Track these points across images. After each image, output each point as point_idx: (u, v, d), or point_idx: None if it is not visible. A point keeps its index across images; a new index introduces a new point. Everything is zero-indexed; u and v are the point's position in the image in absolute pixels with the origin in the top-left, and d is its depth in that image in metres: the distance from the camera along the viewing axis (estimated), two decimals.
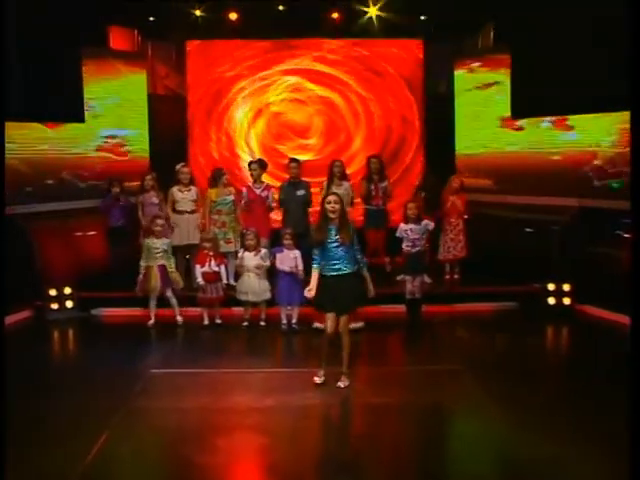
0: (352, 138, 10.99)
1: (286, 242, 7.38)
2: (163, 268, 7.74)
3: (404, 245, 7.65)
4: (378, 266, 8.60)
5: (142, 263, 7.74)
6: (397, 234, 7.72)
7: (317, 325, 7.25)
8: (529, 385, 5.78)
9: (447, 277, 9.04)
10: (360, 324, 7.31)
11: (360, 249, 5.76)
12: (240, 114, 10.99)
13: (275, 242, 8.08)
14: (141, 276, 7.71)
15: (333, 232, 5.58)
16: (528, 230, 9.13)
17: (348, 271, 5.60)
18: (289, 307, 7.47)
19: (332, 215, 5.58)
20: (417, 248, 7.62)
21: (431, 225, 7.81)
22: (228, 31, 10.48)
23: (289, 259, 7.30)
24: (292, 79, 10.92)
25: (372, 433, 4.97)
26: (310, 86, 10.92)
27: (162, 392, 5.74)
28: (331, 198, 5.62)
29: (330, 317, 5.65)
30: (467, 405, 5.43)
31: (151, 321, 7.80)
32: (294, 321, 7.46)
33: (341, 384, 5.69)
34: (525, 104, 9.20)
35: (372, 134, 10.98)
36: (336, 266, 5.58)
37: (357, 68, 10.91)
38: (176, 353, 7.01)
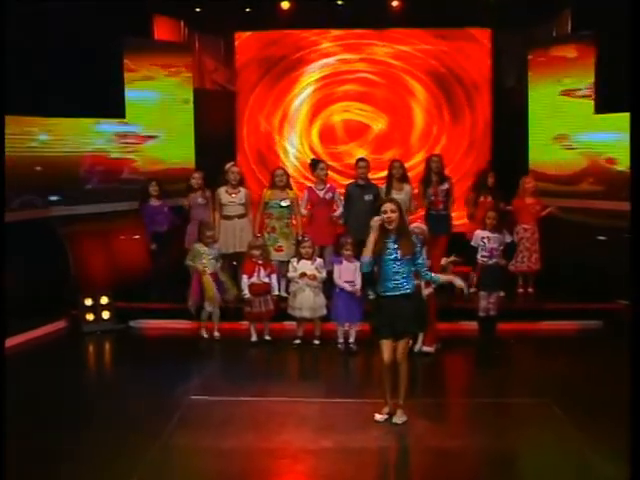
0: (410, 137, 10.12)
1: (346, 252, 6.59)
2: (216, 276, 7.10)
3: (479, 256, 6.79)
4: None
5: (189, 263, 7.10)
6: (472, 242, 6.85)
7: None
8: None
9: (520, 291, 8.11)
10: (433, 347, 6.54)
11: (425, 265, 5.03)
12: (295, 111, 10.22)
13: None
14: (191, 289, 7.03)
15: (391, 244, 4.79)
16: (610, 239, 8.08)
17: (407, 291, 4.84)
18: (347, 325, 6.66)
19: (389, 226, 4.78)
20: (494, 260, 6.75)
21: (509, 238, 6.96)
22: (280, 21, 9.73)
23: (349, 271, 6.51)
24: (350, 73, 10.11)
25: None
26: (370, 80, 10.09)
27: (202, 425, 4.97)
28: (387, 207, 4.82)
29: (386, 343, 4.87)
30: (558, 451, 4.52)
31: (205, 334, 7.17)
32: (352, 340, 6.66)
33: (397, 420, 4.89)
34: (610, 98, 8.17)
35: (429, 131, 10.10)
36: (392, 284, 4.81)
37: (419, 60, 10.03)
38: (220, 375, 6.26)
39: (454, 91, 10.04)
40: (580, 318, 7.50)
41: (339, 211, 7.87)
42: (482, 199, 8.09)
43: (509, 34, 9.91)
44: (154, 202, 8.10)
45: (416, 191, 8.05)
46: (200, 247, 7.12)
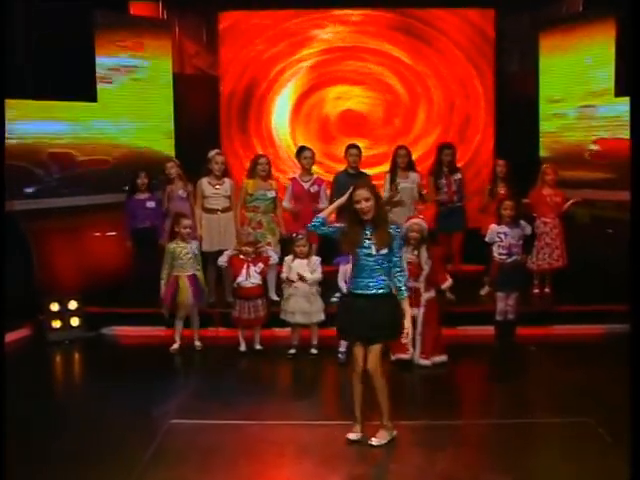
0: (411, 122, 9.29)
1: None
2: (194, 279, 6.21)
3: (496, 253, 6.05)
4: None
5: (164, 271, 6.21)
6: (487, 238, 6.09)
7: (398, 356, 5.72)
8: None
9: (536, 291, 7.36)
10: (442, 358, 5.79)
11: (402, 265, 4.21)
12: (284, 95, 9.39)
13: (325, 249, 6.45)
14: (164, 288, 6.17)
15: (366, 237, 4.08)
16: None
17: (381, 291, 4.10)
18: None
19: (365, 217, 4.09)
20: (513, 257, 6.02)
21: (528, 229, 6.19)
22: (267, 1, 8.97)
23: None
24: (339, 55, 9.29)
25: None
26: (360, 64, 9.28)
27: (183, 457, 4.14)
28: (360, 195, 4.07)
29: (356, 350, 4.19)
30: None
31: (176, 345, 6.30)
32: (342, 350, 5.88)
33: (374, 441, 4.18)
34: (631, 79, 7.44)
35: (431, 117, 9.29)
36: (365, 282, 4.09)
37: (414, 42, 9.22)
38: (204, 393, 5.35)
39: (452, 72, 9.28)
40: (604, 322, 6.76)
41: (321, 206, 6.92)
42: (496, 190, 7.36)
43: (514, 14, 9.17)
44: (140, 195, 7.26)
45: (424, 182, 7.29)
46: (175, 246, 6.22)
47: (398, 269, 4.13)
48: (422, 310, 5.73)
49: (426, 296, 5.74)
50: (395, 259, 4.11)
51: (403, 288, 4.13)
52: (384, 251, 4.07)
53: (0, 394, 4.11)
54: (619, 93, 7.66)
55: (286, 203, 7.17)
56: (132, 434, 4.47)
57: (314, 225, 4.24)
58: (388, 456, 4.14)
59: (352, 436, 4.25)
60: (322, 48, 9.26)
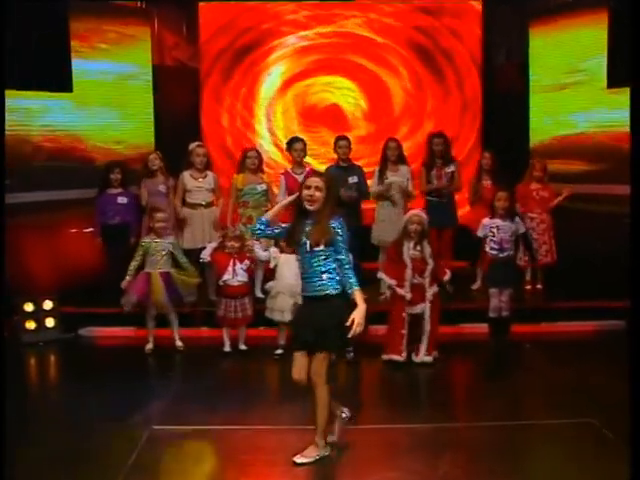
0: (399, 120, 9.03)
1: None
2: (168, 276, 5.92)
3: (488, 248, 5.85)
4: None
5: (132, 266, 5.91)
6: (479, 233, 5.89)
7: (390, 357, 5.54)
8: None
9: (528, 287, 7.18)
10: (433, 355, 5.62)
11: (349, 260, 3.80)
12: (266, 86, 9.09)
13: None
14: (127, 281, 5.86)
15: (305, 231, 3.77)
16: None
17: (324, 292, 3.75)
18: None
19: (310, 206, 3.74)
20: (506, 252, 5.81)
21: (522, 228, 6.01)
22: None
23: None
24: (330, 46, 9.00)
25: None
26: (351, 55, 9.01)
27: (166, 467, 3.89)
28: (312, 182, 3.76)
29: (297, 357, 3.84)
30: None
31: (149, 345, 6.05)
32: (350, 349, 5.65)
33: (298, 459, 3.81)
34: (626, 71, 7.26)
35: (421, 115, 9.04)
36: (309, 282, 3.78)
37: (404, 35, 8.98)
38: (187, 395, 5.07)
39: (439, 67, 9.05)
40: (598, 318, 6.61)
41: None
42: (481, 183, 7.18)
43: (503, 4, 8.97)
44: (112, 191, 6.96)
45: (415, 174, 7.11)
46: (150, 242, 5.94)
47: (347, 265, 3.74)
48: (428, 306, 5.54)
49: (431, 291, 5.55)
50: (341, 257, 3.74)
51: (352, 280, 3.73)
52: (321, 247, 3.72)
53: (0, 394, 3.94)
54: (611, 84, 7.50)
55: (281, 198, 6.90)
56: (111, 442, 4.21)
57: (256, 229, 3.92)
58: (386, 462, 3.91)
59: (300, 459, 3.83)
60: (301, 36, 9.00)
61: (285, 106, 9.06)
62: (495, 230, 5.82)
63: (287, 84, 9.04)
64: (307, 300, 3.86)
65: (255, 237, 3.87)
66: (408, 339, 5.55)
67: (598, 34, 7.57)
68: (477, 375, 5.76)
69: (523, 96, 8.42)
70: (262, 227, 3.88)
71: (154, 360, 5.94)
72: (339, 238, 3.74)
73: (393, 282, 5.56)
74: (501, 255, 5.85)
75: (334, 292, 3.75)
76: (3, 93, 5.92)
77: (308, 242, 3.73)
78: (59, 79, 7.26)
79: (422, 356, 5.56)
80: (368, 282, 5.72)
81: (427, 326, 5.54)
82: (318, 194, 3.73)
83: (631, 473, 3.07)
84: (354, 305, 3.68)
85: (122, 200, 6.96)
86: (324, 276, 3.75)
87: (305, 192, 3.76)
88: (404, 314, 5.54)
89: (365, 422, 4.43)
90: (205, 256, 5.98)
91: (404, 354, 5.52)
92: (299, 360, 3.83)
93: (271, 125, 9.08)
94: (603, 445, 4.08)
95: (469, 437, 4.28)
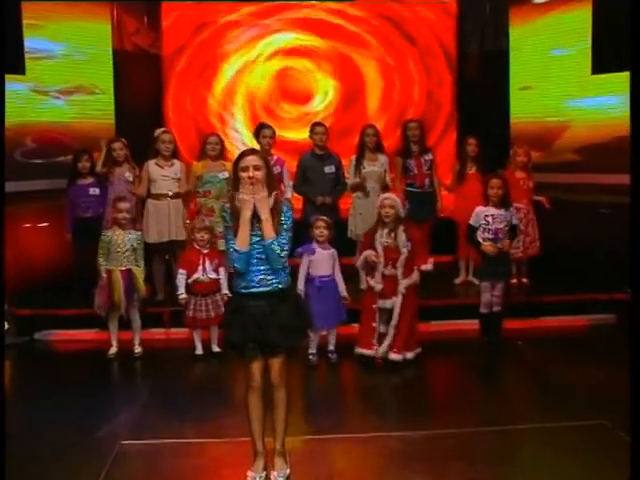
0: (367, 105, 8.66)
1: (319, 236, 5.11)
2: (128, 274, 5.45)
3: (481, 238, 5.49)
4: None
5: (102, 265, 5.45)
6: (472, 222, 5.52)
7: (362, 351, 5.17)
8: None
9: (514, 281, 6.85)
10: (416, 351, 5.29)
11: (283, 247, 3.32)
12: (231, 69, 8.62)
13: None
14: (100, 286, 5.43)
15: (254, 220, 3.31)
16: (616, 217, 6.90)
17: (277, 286, 3.39)
18: (325, 330, 5.30)
19: (251, 190, 3.27)
20: (500, 243, 5.45)
21: (515, 219, 5.66)
22: None
23: (324, 263, 5.06)
24: (297, 31, 8.59)
25: None
26: (318, 40, 8.58)
27: None
28: (249, 161, 3.30)
29: (254, 362, 3.42)
30: None
31: (113, 349, 5.58)
32: (331, 348, 5.28)
33: (277, 476, 3.47)
34: (611, 56, 7.01)
35: (390, 100, 8.65)
36: (259, 277, 3.34)
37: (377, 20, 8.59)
38: (157, 405, 4.62)
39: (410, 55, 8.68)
40: (588, 312, 6.36)
41: (288, 192, 6.42)
42: (467, 171, 6.85)
43: None
44: (82, 181, 6.47)
45: (391, 164, 6.72)
46: (112, 235, 5.46)
47: (279, 254, 3.30)
48: (399, 299, 5.15)
49: (404, 283, 5.16)
50: (281, 242, 3.31)
51: (279, 270, 3.36)
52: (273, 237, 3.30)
53: (0, 394, 3.79)
54: (595, 71, 7.24)
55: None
56: (76, 459, 3.77)
57: (242, 269, 3.33)
58: (380, 473, 3.53)
59: (252, 475, 3.46)
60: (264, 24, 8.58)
61: (249, 91, 8.62)
62: (490, 219, 5.46)
63: (246, 69, 8.61)
64: (254, 297, 3.38)
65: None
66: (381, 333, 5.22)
67: (582, 19, 7.31)
68: (472, 376, 5.32)
69: (503, 83, 8.10)
70: (245, 264, 3.32)
71: (118, 365, 5.45)
72: (285, 227, 3.33)
73: (363, 272, 5.28)
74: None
75: (284, 286, 3.42)
76: (3, 90, 5.38)
77: (260, 234, 3.31)
78: (10, 60, 6.66)
79: (388, 353, 5.17)
80: (347, 279, 5.38)
81: (394, 320, 5.15)
82: (259, 173, 3.27)
83: (631, 473, 2.88)
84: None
85: (94, 191, 6.47)
86: (276, 270, 3.37)
87: (242, 175, 3.27)
88: (374, 306, 5.18)
89: (356, 431, 4.05)
90: (182, 294, 5.47)
91: (375, 347, 5.16)
92: (257, 365, 3.44)
93: (237, 111, 8.62)
94: (623, 449, 3.74)
95: (469, 444, 3.92)
